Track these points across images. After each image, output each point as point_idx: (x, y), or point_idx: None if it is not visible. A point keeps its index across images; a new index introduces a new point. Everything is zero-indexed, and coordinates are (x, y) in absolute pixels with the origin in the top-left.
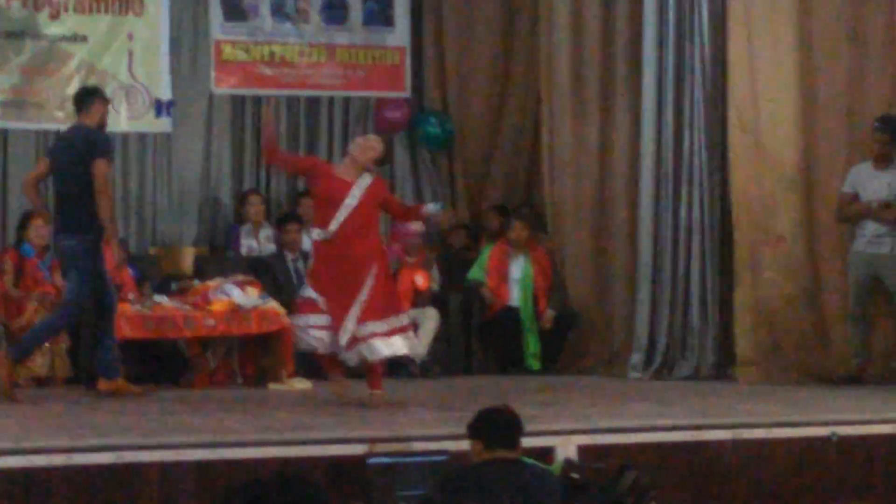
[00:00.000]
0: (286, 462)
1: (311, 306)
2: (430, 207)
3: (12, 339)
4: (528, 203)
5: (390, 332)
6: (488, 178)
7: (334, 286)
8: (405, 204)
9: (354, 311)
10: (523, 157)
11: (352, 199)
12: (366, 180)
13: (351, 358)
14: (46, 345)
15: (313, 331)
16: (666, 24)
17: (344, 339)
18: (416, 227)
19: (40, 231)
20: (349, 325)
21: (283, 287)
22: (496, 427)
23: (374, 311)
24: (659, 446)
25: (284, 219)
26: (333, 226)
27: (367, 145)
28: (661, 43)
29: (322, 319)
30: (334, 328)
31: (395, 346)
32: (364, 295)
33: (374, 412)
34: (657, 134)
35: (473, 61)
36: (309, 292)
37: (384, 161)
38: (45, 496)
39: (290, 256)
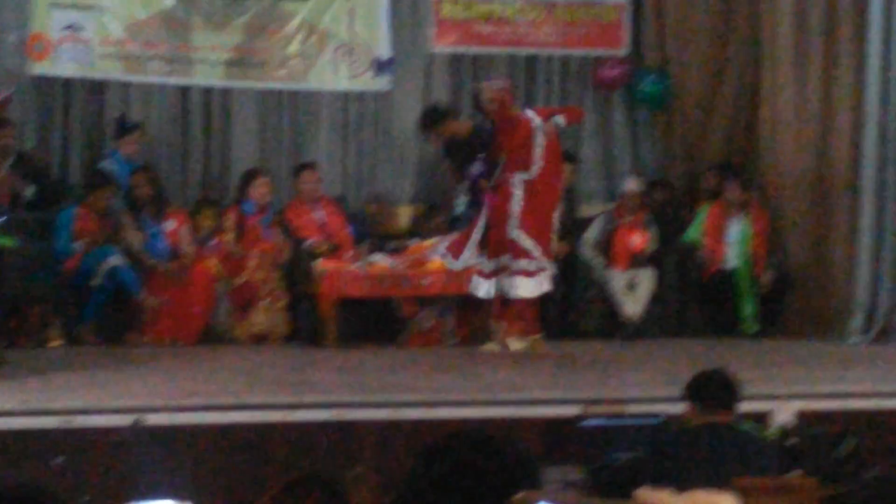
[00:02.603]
0: (500, 422)
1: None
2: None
3: (233, 296)
4: (727, 163)
5: None
6: (706, 137)
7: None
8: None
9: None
10: (743, 116)
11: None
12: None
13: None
14: (266, 302)
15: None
16: None
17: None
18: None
19: (263, 189)
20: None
21: None
22: (713, 390)
23: None
24: (880, 414)
25: None
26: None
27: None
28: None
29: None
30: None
31: None
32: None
33: (589, 374)
34: (883, 93)
35: (693, 19)
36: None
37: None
38: (264, 451)
39: None
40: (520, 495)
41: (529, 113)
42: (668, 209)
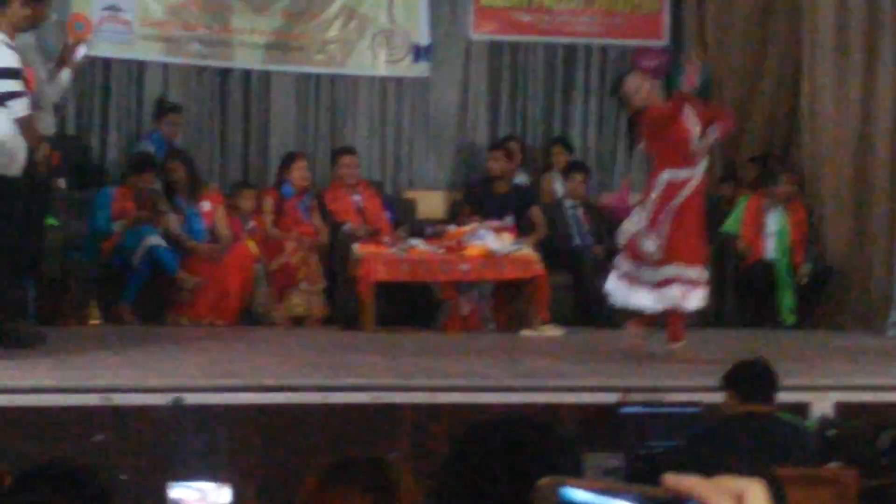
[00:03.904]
0: (538, 408)
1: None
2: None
3: (271, 278)
4: (768, 155)
5: None
6: (746, 128)
7: None
8: None
9: None
10: (782, 107)
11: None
12: None
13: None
14: (304, 285)
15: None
16: None
17: None
18: None
19: (302, 173)
20: None
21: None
22: (751, 380)
23: None
24: None
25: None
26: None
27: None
28: None
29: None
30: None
31: None
32: None
33: (627, 362)
34: None
35: (734, 10)
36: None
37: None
38: (302, 433)
39: (568, 203)
40: (545, 480)
41: None
42: (725, 204)
